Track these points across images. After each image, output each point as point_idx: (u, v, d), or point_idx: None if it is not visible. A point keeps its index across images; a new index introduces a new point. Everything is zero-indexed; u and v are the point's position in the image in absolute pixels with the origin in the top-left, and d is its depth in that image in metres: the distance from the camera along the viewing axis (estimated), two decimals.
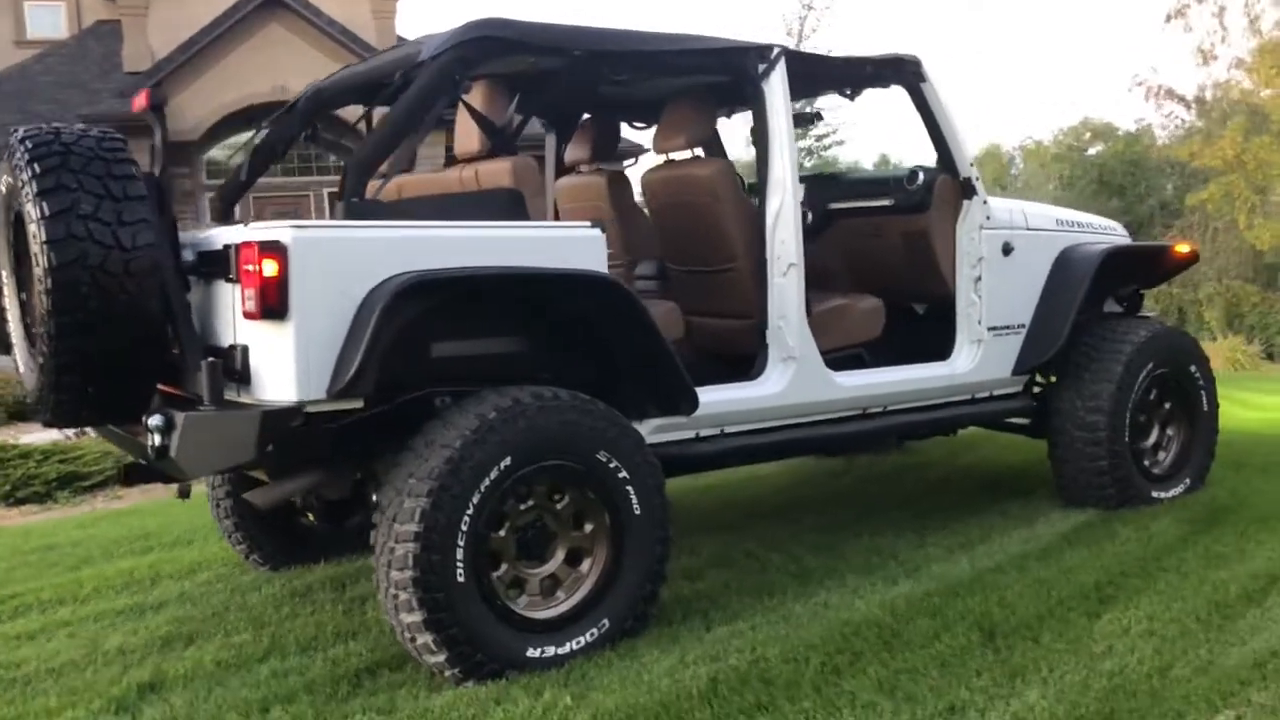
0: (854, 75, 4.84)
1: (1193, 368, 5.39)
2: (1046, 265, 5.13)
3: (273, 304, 3.23)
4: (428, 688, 3.40)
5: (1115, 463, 5.06)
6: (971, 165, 4.88)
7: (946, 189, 4.92)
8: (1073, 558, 4.40)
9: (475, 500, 3.36)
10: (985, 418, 5.23)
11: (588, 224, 3.82)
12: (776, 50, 4.37)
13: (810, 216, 5.30)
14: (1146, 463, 5.30)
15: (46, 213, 3.29)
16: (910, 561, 4.44)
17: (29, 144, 3.40)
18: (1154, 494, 5.22)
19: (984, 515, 5.13)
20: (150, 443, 3.34)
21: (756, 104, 4.33)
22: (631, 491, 3.66)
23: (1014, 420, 5.42)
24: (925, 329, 5.13)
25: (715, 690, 3.25)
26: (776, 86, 4.33)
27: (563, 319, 3.80)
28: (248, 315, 3.30)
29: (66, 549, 5.68)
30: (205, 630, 4.10)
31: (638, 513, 3.68)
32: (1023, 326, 5.05)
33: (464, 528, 3.34)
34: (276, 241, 3.23)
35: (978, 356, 4.90)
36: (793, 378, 4.32)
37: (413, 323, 3.44)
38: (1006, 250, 4.96)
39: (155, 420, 3.33)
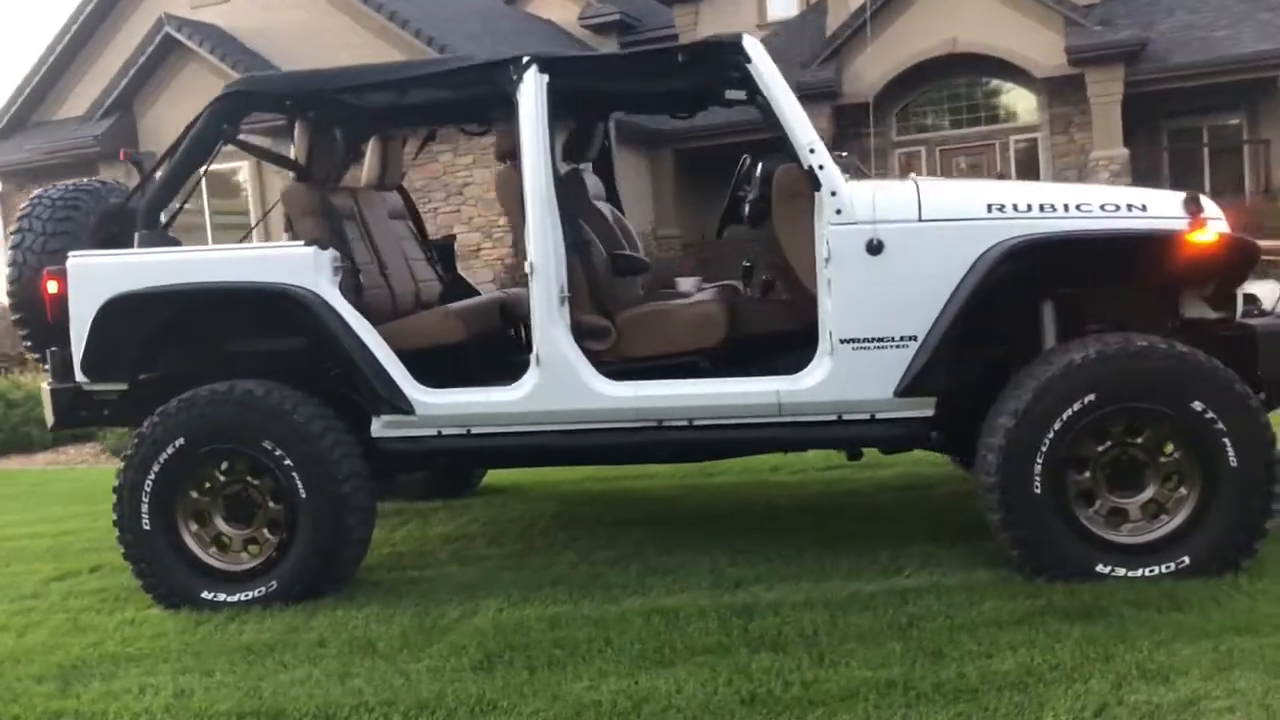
0: (663, 69, 4.45)
1: (1198, 404, 3.85)
2: (961, 263, 4.10)
3: (58, 313, 4.55)
4: (140, 604, 4.48)
5: (1011, 518, 3.95)
6: (813, 152, 4.16)
7: (788, 180, 4.27)
8: (811, 615, 3.77)
9: (155, 469, 4.35)
10: (821, 443, 4.46)
11: (302, 243, 4.42)
12: (525, 60, 4.34)
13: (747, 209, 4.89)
14: (1121, 529, 3.98)
15: (7, 246, 5.01)
16: (679, 584, 4.24)
17: (28, 200, 5.14)
18: (1100, 567, 3.92)
19: (904, 551, 4.42)
20: None
21: (514, 114, 4.37)
22: (297, 478, 4.28)
23: None
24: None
25: (285, 645, 3.86)
26: (527, 96, 4.32)
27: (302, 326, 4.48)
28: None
29: None
30: None
31: (303, 496, 4.28)
32: (910, 340, 4.15)
33: (147, 489, 4.36)
34: (62, 268, 4.53)
35: (828, 373, 4.21)
36: (538, 384, 4.34)
37: (178, 324, 4.49)
38: (874, 248, 4.12)
39: (43, 386, 4.90)
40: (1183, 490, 3.97)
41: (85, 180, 5.23)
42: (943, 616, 3.69)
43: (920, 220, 4.15)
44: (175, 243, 4.69)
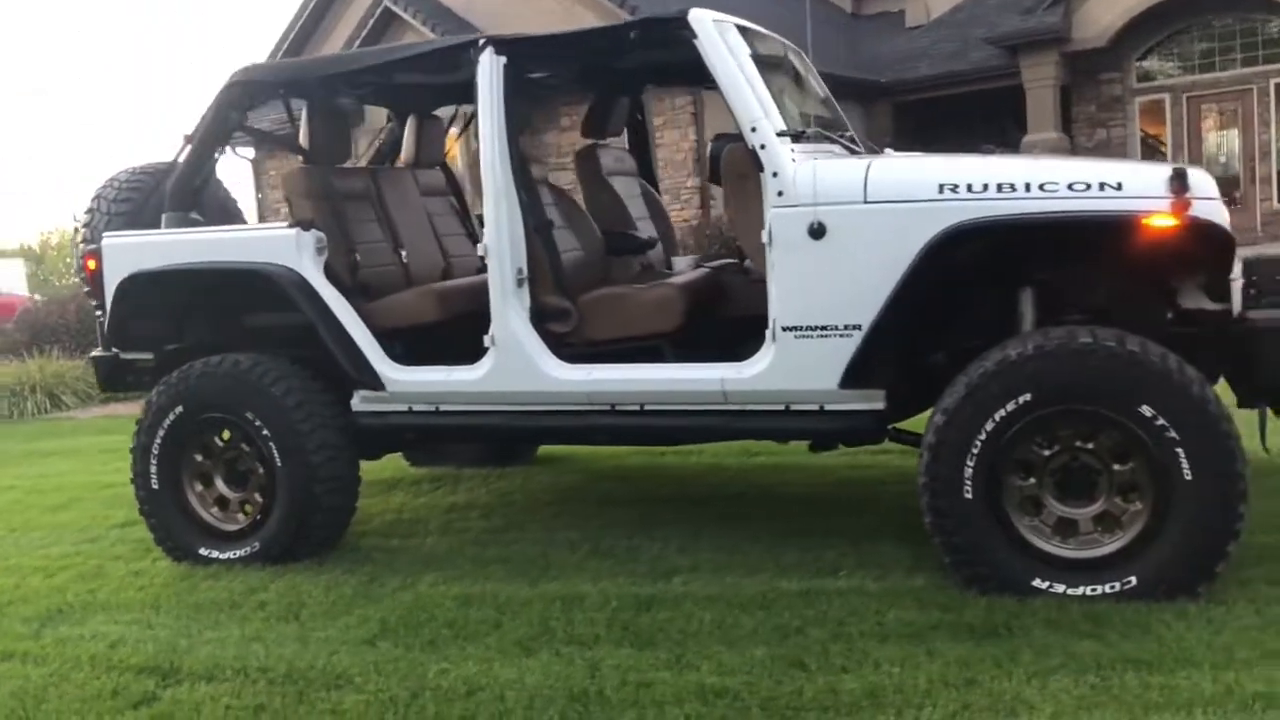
0: (619, 46, 4.33)
1: (1147, 409, 3.44)
2: (908, 249, 3.81)
3: (96, 289, 5.00)
4: (157, 556, 4.89)
5: (940, 523, 3.69)
6: (755, 131, 3.97)
7: (734, 160, 4.08)
8: (706, 613, 3.69)
9: (160, 434, 4.73)
10: (767, 434, 4.28)
11: (286, 224, 4.65)
12: (481, 41, 4.36)
13: None
14: (1069, 541, 3.64)
15: (83, 223, 5.53)
16: (613, 569, 4.24)
17: (104, 182, 5.64)
18: (1038, 582, 3.60)
19: (861, 550, 4.24)
20: None
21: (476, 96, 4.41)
22: (273, 446, 4.55)
23: None
24: None
25: (233, 605, 4.16)
26: (483, 78, 4.35)
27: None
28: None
29: None
30: None
31: (279, 464, 4.55)
32: (854, 329, 3.92)
33: (154, 451, 4.76)
34: (98, 247, 4.98)
35: (771, 361, 4.04)
36: (494, 365, 4.41)
37: (198, 299, 4.88)
38: (817, 232, 3.91)
39: (92, 354, 5.40)
40: (1137, 504, 3.58)
41: (151, 164, 5.67)
42: (834, 624, 3.51)
43: (865, 202, 3.89)
44: (197, 224, 5.04)
